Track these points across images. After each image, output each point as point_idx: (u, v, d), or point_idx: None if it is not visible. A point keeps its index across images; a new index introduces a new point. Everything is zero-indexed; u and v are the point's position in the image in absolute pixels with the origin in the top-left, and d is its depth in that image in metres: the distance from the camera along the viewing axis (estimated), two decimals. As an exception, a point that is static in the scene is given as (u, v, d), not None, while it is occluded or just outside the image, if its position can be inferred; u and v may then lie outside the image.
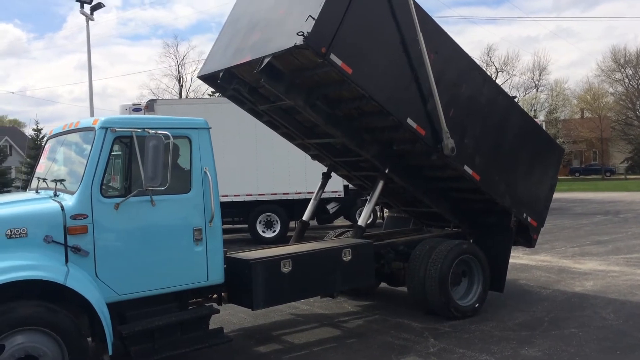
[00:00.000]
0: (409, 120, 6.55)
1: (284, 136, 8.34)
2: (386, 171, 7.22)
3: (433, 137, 6.79)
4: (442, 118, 6.69)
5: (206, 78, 7.37)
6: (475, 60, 7.81)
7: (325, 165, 8.65)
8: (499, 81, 58.73)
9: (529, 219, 8.07)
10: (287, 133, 8.15)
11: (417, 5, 6.52)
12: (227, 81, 7.00)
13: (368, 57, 6.17)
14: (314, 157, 8.66)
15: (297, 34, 5.47)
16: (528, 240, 8.38)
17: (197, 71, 7.77)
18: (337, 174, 8.98)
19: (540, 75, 61.02)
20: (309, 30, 5.46)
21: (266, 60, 5.99)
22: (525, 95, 59.37)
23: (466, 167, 7.14)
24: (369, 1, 6.15)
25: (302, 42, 5.47)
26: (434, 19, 6.94)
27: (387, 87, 6.38)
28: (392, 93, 6.43)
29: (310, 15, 5.53)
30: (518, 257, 11.21)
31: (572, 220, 18.45)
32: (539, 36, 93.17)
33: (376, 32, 6.28)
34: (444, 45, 6.99)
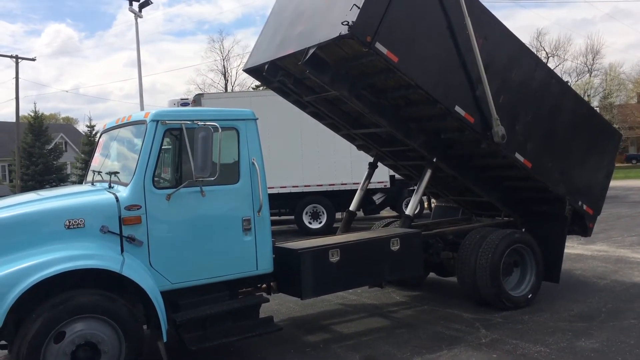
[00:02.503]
0: (457, 108, 6.41)
1: (330, 127, 8.32)
2: (434, 160, 7.11)
3: (482, 125, 6.63)
4: (491, 105, 6.52)
5: (251, 71, 7.42)
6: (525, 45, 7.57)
7: (372, 155, 8.59)
8: (550, 66, 56.95)
9: (585, 206, 7.80)
10: (332, 124, 8.14)
11: None
12: (272, 73, 7.02)
13: (414, 44, 6.06)
14: (359, 147, 8.61)
15: (342, 23, 5.41)
16: (584, 228, 8.10)
17: (241, 65, 7.85)
18: (384, 164, 8.90)
19: (593, 60, 58.75)
20: (354, 20, 5.40)
21: (311, 52, 5.97)
22: (577, 80, 57.31)
23: (517, 155, 6.94)
24: None
25: (347, 32, 5.41)
26: (482, 2, 6.76)
27: (434, 75, 6.26)
28: (439, 80, 6.31)
29: (354, 4, 5.47)
30: (573, 247, 10.87)
31: (629, 209, 17.73)
32: (594, 18, 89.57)
33: (422, 18, 6.16)
34: (493, 30, 6.79)
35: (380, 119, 6.93)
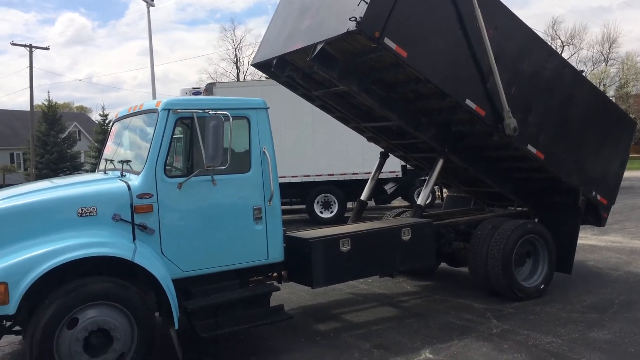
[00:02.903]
0: (468, 101, 6.33)
1: (339, 119, 8.27)
2: (442, 159, 7.05)
3: (494, 117, 6.55)
4: (503, 97, 6.43)
5: (260, 65, 7.35)
6: (540, 34, 7.46)
7: (382, 147, 8.55)
8: (565, 55, 56.14)
9: (599, 197, 7.72)
10: (342, 117, 8.09)
11: None
12: (280, 68, 6.97)
13: (423, 38, 5.97)
14: (370, 139, 8.56)
15: (350, 19, 5.34)
16: (598, 219, 8.03)
17: (253, 54, 7.77)
18: (395, 155, 8.86)
19: (610, 48, 57.78)
20: (361, 15, 5.32)
21: (319, 47, 5.90)
22: (593, 69, 56.50)
23: (530, 147, 6.87)
24: None
25: (355, 28, 5.34)
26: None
27: (443, 68, 6.18)
28: (449, 74, 6.22)
29: (362, 0, 5.39)
30: (586, 237, 10.78)
31: (645, 200, 17.54)
32: (611, 6, 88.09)
33: (431, 10, 6.06)
34: (503, 20, 6.67)
35: (390, 113, 6.88)
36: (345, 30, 5.46)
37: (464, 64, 6.34)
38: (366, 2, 5.37)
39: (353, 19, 5.33)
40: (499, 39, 6.51)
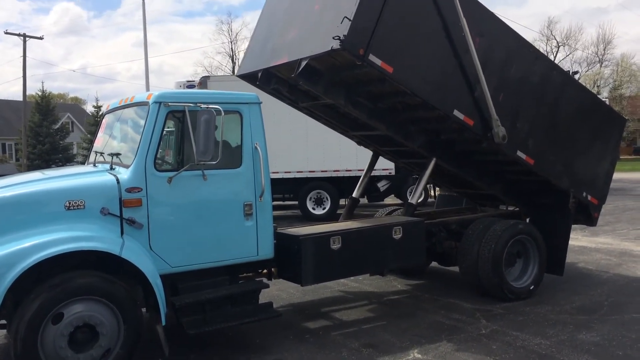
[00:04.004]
0: (456, 112, 6.27)
1: (327, 125, 8.14)
2: (434, 159, 7.03)
3: (482, 126, 6.50)
4: (491, 106, 6.38)
5: (245, 77, 7.21)
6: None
7: (371, 150, 8.48)
8: (560, 56, 56.48)
9: (589, 197, 7.74)
10: (329, 123, 8.00)
11: None
12: (265, 81, 6.87)
13: (408, 51, 5.89)
14: (359, 143, 8.49)
15: (333, 38, 5.26)
16: (589, 218, 8.06)
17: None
18: (384, 158, 8.81)
19: (604, 50, 58.08)
20: (345, 33, 5.23)
21: (303, 64, 5.81)
22: (588, 70, 56.74)
23: (519, 153, 6.85)
24: None
25: (339, 46, 5.26)
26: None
27: (430, 81, 6.11)
28: (436, 86, 6.15)
29: (345, 17, 5.29)
30: (577, 238, 10.81)
31: (635, 202, 17.61)
32: (609, 7, 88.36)
33: (416, 23, 5.95)
34: (489, 26, 6.57)
35: (379, 124, 6.83)
36: (330, 48, 5.37)
37: (450, 75, 6.26)
38: (349, 19, 5.26)
39: (337, 37, 5.23)
40: (486, 45, 6.44)
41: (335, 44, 5.27)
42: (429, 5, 6.00)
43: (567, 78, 7.71)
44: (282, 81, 6.87)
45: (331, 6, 5.83)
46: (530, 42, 7.36)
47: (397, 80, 5.83)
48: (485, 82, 6.29)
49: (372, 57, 5.49)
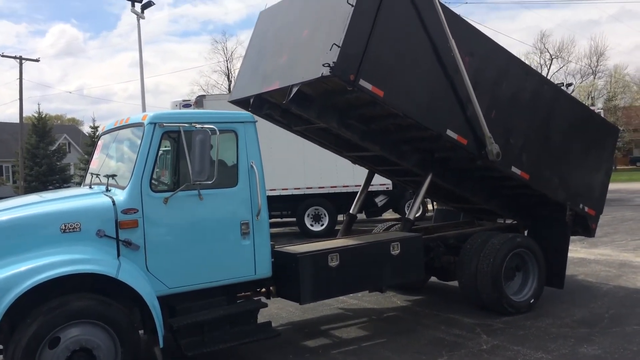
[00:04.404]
0: (449, 132, 6.28)
1: (321, 146, 8.10)
2: (429, 177, 7.03)
3: (476, 144, 6.51)
4: (483, 124, 6.39)
5: (238, 102, 7.19)
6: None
7: (366, 168, 8.47)
8: (553, 68, 56.83)
9: (586, 208, 7.74)
10: (323, 144, 7.99)
11: (445, 9, 6.17)
12: (257, 107, 6.87)
13: (399, 74, 5.90)
14: (354, 162, 8.48)
15: (323, 65, 5.28)
16: (587, 229, 8.05)
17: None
18: (380, 175, 8.79)
19: (597, 61, 58.49)
20: (335, 60, 5.24)
21: (295, 90, 5.83)
22: (581, 82, 57.12)
23: (514, 168, 6.85)
24: (393, 17, 5.77)
25: (330, 73, 5.27)
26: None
27: (422, 102, 6.11)
28: (428, 107, 6.16)
29: (334, 43, 5.31)
30: (576, 250, 10.78)
31: (633, 212, 17.61)
32: (601, 19, 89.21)
33: (404, 46, 5.96)
34: (478, 45, 6.60)
35: (372, 146, 6.85)
36: (320, 75, 5.38)
37: (442, 95, 6.27)
38: (338, 46, 5.27)
39: (326, 65, 5.25)
40: (476, 64, 6.46)
41: (326, 71, 5.28)
42: (417, 28, 6.01)
43: (558, 92, 7.75)
44: (274, 106, 6.86)
45: (320, 32, 5.84)
46: (522, 55, 7.46)
47: (389, 104, 5.83)
48: (477, 100, 6.30)
49: (363, 82, 5.50)
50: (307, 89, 5.98)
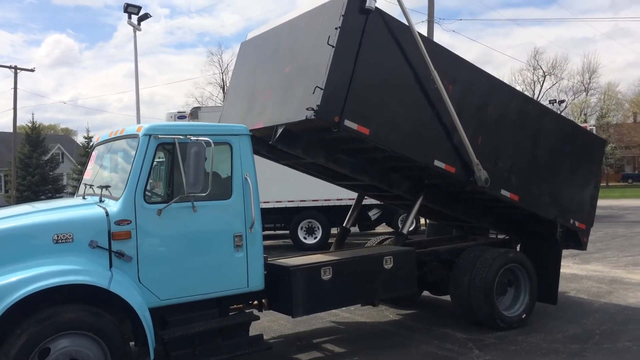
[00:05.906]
0: (437, 162, 6.31)
1: (311, 176, 8.06)
2: (420, 199, 7.05)
3: (464, 172, 6.55)
4: (470, 151, 6.41)
5: None
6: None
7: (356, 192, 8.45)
8: (546, 85, 57.32)
9: (577, 223, 7.79)
10: (313, 175, 7.97)
11: (425, 39, 6.18)
12: None
13: (383, 111, 5.90)
14: (345, 187, 8.46)
15: (307, 108, 5.29)
16: (579, 243, 8.11)
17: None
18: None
19: (590, 78, 59.06)
20: (318, 103, 5.24)
21: (280, 130, 5.83)
22: (574, 99, 57.63)
23: (503, 192, 6.89)
24: (375, 54, 5.74)
25: (314, 116, 5.28)
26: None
27: (407, 136, 6.12)
28: (414, 140, 6.18)
29: (317, 86, 5.31)
30: (568, 266, 10.82)
31: (625, 229, 17.71)
32: (595, 36, 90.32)
33: (387, 82, 5.95)
34: (460, 72, 6.61)
35: (362, 176, 6.87)
36: (304, 118, 5.38)
37: (427, 127, 6.28)
38: (321, 89, 5.27)
39: (310, 108, 5.25)
40: (459, 91, 6.47)
41: (310, 114, 5.28)
42: (399, 62, 6.00)
43: (543, 110, 7.79)
44: (260, 141, 6.70)
45: (302, 71, 5.83)
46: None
47: (375, 142, 5.85)
48: (463, 127, 6.30)
49: (348, 123, 5.49)
50: (292, 127, 5.90)
